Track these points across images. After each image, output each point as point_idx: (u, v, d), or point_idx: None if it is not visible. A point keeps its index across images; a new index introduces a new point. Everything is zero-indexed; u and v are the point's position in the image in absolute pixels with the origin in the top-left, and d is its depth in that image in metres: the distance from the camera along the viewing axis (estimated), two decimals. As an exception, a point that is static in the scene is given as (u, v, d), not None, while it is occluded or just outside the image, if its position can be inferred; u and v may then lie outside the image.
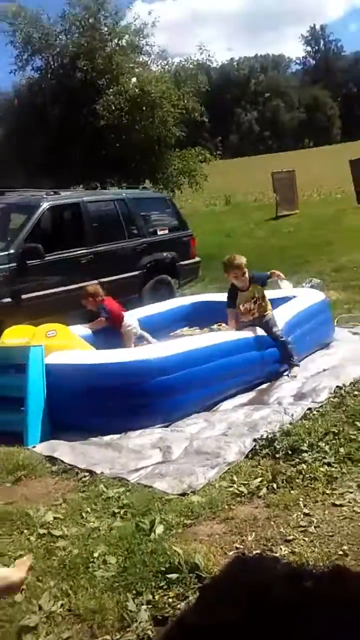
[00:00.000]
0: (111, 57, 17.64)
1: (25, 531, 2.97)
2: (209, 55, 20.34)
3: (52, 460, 3.87)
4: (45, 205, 7.01)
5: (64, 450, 3.97)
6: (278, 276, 5.59)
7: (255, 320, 5.34)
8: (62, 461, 3.82)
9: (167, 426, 4.33)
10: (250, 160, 52.57)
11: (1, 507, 3.25)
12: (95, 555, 2.63)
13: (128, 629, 2.12)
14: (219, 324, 6.08)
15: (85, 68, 17.20)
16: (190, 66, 19.44)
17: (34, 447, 4.10)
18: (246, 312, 5.37)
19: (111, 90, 17.20)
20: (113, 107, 16.86)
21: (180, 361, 4.52)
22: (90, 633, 2.14)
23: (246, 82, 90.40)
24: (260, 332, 5.27)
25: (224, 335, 5.31)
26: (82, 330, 5.49)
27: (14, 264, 6.38)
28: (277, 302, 5.74)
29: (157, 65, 19.38)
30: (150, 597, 2.27)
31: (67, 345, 4.87)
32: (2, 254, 6.38)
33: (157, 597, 2.26)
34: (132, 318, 5.84)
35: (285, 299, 6.05)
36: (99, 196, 8.38)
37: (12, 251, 6.42)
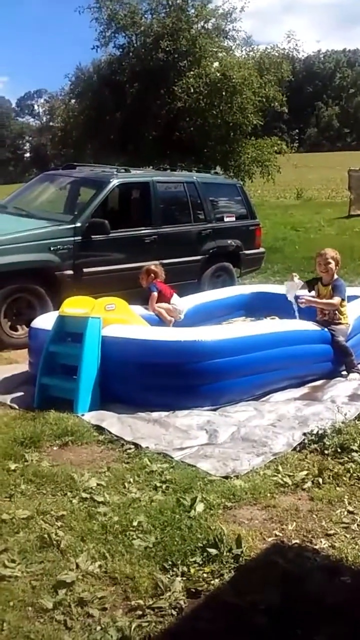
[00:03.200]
0: (195, 39, 17.57)
1: (69, 493, 3.04)
2: (296, 45, 20.00)
3: (99, 429, 3.93)
4: (115, 182, 7.07)
5: (112, 421, 4.03)
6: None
7: (325, 322, 5.26)
8: (109, 431, 3.88)
9: (215, 410, 4.33)
10: (327, 156, 51.35)
11: (47, 469, 3.33)
12: (134, 524, 2.66)
13: (161, 597, 2.14)
14: (271, 317, 6.02)
15: (168, 49, 17.22)
16: (275, 54, 19.12)
17: (82, 415, 4.17)
18: (308, 302, 5.29)
19: (192, 72, 17.15)
20: (192, 90, 16.82)
21: (233, 346, 4.51)
22: (124, 596, 2.18)
23: (331, 75, 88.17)
24: (316, 328, 5.19)
25: (281, 325, 5.25)
26: (140, 310, 5.55)
27: (79, 238, 6.48)
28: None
29: (241, 51, 19.20)
30: (185, 569, 2.29)
31: (124, 320, 4.92)
32: (68, 227, 6.49)
33: (192, 571, 2.27)
34: (180, 302, 5.87)
35: (353, 297, 5.92)
36: (169, 177, 8.36)
37: (78, 225, 6.52)
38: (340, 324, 5.24)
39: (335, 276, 5.40)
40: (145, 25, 18.13)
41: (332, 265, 5.35)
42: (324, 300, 5.27)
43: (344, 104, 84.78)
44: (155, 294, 5.66)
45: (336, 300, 5.24)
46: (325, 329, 5.18)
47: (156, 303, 5.67)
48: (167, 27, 17.38)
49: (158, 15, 18.22)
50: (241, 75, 16.74)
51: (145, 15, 18.43)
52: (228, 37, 19.05)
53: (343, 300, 5.30)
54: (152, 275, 5.74)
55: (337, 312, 5.26)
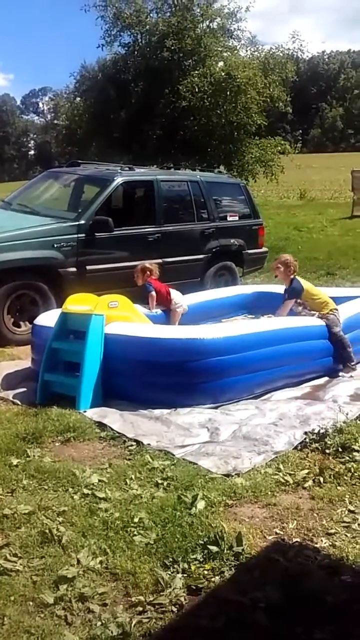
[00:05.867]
0: (200, 38, 17.54)
1: (70, 489, 3.04)
2: (300, 45, 19.96)
3: (101, 426, 3.94)
4: (119, 180, 7.06)
5: (114, 418, 4.04)
6: None
7: (317, 314, 5.28)
8: (111, 428, 3.88)
9: (216, 408, 4.33)
10: (331, 157, 51.26)
11: (49, 464, 3.34)
12: (136, 520, 2.67)
13: (161, 593, 2.15)
14: (268, 315, 6.03)
15: (173, 48, 17.18)
16: (280, 54, 19.10)
17: (85, 411, 4.18)
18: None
19: (196, 72, 17.14)
20: (196, 89, 16.81)
21: (234, 344, 4.51)
22: (125, 592, 2.19)
23: (335, 76, 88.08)
24: (316, 323, 5.20)
25: (279, 322, 5.25)
26: (143, 309, 5.55)
27: (83, 235, 6.47)
28: (339, 300, 5.63)
29: (246, 51, 19.16)
30: (186, 566, 2.29)
31: (127, 317, 4.93)
32: (72, 224, 6.49)
33: (192, 568, 2.28)
34: (180, 297, 5.86)
35: (348, 298, 5.94)
36: (173, 176, 8.35)
37: (82, 222, 6.51)
38: (326, 314, 5.24)
39: (292, 277, 5.38)
40: (150, 24, 18.11)
41: (282, 269, 5.36)
42: (281, 312, 5.34)
43: (348, 105, 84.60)
44: (154, 293, 5.64)
45: (286, 304, 5.33)
46: (318, 321, 5.20)
47: (155, 303, 5.67)
48: (173, 26, 17.35)
49: (163, 14, 18.20)
50: (246, 75, 16.71)
51: (151, 14, 18.42)
52: (233, 36, 19.02)
53: (296, 298, 5.33)
54: (148, 272, 5.69)
55: (314, 306, 5.30)
